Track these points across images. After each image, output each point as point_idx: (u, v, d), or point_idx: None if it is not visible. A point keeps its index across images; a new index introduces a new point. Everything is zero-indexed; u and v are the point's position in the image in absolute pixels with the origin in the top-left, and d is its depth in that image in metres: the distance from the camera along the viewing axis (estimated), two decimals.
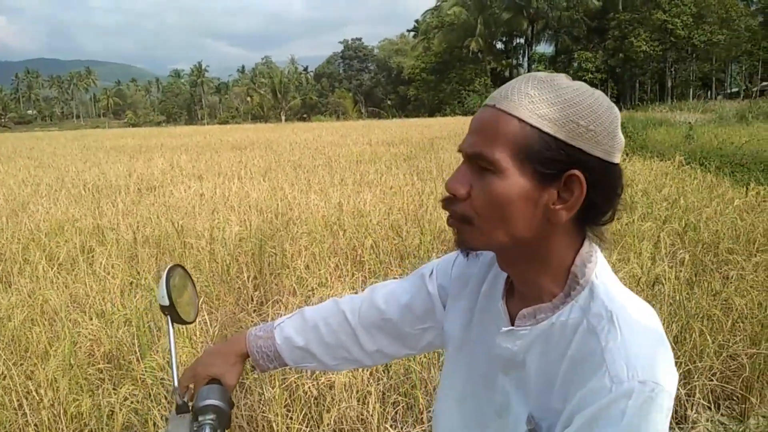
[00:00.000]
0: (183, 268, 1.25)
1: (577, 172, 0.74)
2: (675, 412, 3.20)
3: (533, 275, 0.83)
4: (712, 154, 10.75)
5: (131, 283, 4.58)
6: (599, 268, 0.80)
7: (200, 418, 1.06)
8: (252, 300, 4.43)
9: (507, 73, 68.97)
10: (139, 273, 4.81)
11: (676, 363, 2.94)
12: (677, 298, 3.68)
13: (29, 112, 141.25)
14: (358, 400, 2.99)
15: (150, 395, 3.00)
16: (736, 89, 49.28)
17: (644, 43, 47.40)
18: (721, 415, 3.27)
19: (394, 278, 4.38)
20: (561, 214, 0.76)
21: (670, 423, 0.80)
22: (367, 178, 9.96)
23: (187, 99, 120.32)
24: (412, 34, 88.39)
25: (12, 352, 3.40)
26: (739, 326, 3.55)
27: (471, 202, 0.78)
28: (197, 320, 1.23)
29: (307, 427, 2.86)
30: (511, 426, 0.85)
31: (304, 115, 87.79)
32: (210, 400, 1.08)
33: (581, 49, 58.70)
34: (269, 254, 5.10)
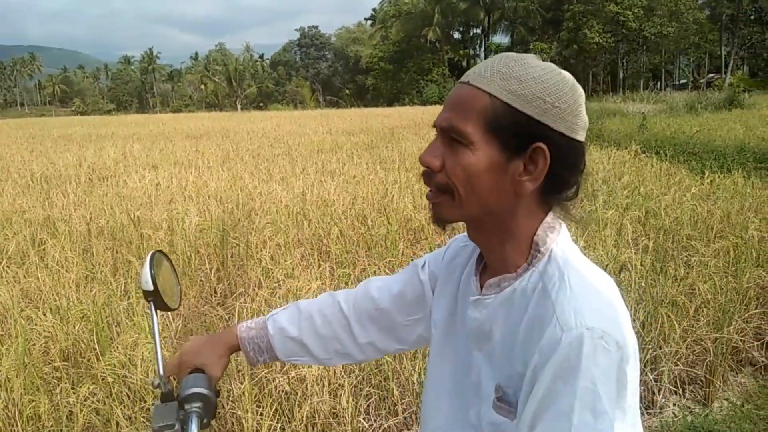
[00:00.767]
0: (165, 254, 1.22)
1: (541, 144, 0.79)
2: (642, 397, 3.26)
3: (500, 246, 0.86)
4: (666, 144, 11.04)
5: (87, 276, 4.38)
6: (561, 238, 0.84)
7: (186, 407, 1.04)
8: (216, 293, 4.29)
9: (464, 63, 69.41)
10: (94, 266, 4.61)
11: (643, 349, 2.95)
12: (643, 284, 3.74)
13: None
14: (330, 394, 2.93)
15: (111, 394, 2.86)
16: (685, 81, 50.92)
17: (597, 35, 48.42)
18: (687, 399, 3.34)
19: (363, 268, 4.38)
20: (526, 185, 0.80)
21: (639, 408, 0.78)
22: (329, 167, 9.84)
23: (137, 86, 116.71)
24: (369, 22, 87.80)
25: None
26: (703, 311, 3.62)
27: (446, 173, 0.82)
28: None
29: (278, 423, 2.77)
30: (485, 401, 0.86)
31: (261, 104, 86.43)
32: (196, 388, 1.06)
33: (536, 40, 59.54)
34: (232, 245, 4.96)
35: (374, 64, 68.65)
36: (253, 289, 3.83)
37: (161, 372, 1.07)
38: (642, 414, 3.15)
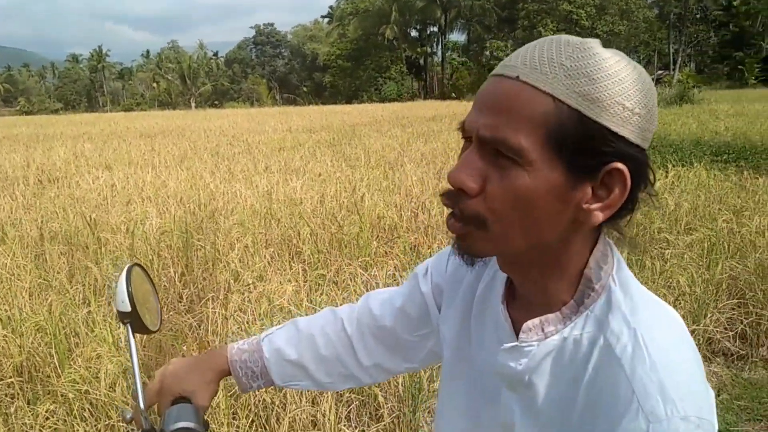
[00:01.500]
0: (142, 267, 1.06)
1: (620, 165, 0.61)
2: None
3: (543, 280, 0.70)
4: None
5: (40, 284, 4.09)
6: (616, 271, 0.68)
7: None
8: (182, 298, 4.08)
9: (422, 61, 69.71)
10: (48, 273, 4.32)
11: None
12: None
13: None
14: (310, 402, 2.78)
15: (72, 411, 2.65)
16: None
17: (552, 33, 49.02)
18: None
19: (339, 268, 4.23)
20: (596, 215, 0.63)
21: None
22: (292, 165, 9.64)
23: (86, 85, 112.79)
24: (326, 20, 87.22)
25: None
26: (680, 303, 3.64)
27: (485, 199, 0.63)
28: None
29: None
30: None
31: (216, 102, 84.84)
32: (182, 422, 0.92)
33: (492, 38, 60.24)
34: (197, 248, 4.73)
35: (332, 62, 68.21)
36: (224, 294, 3.64)
37: (142, 405, 0.93)
38: None
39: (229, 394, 2.69)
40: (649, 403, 0.58)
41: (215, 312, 3.35)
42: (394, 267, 4.16)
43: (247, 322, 3.23)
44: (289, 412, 2.67)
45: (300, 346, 1.02)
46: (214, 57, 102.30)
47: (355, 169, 8.50)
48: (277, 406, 2.73)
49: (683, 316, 3.34)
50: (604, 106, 0.59)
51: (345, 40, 67.71)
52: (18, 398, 2.79)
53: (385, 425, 2.77)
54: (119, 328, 3.16)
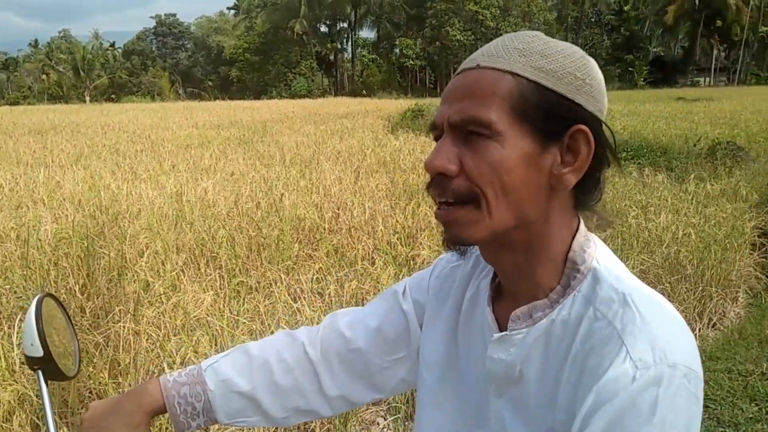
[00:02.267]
0: (55, 298, 0.90)
1: (582, 126, 0.66)
2: None
3: (527, 267, 0.71)
4: None
5: None
6: (599, 253, 0.71)
7: None
8: (84, 312, 3.70)
9: (332, 57, 69.37)
10: None
11: None
12: None
13: None
14: None
15: None
16: None
17: (458, 33, 50.70)
18: None
19: (263, 273, 4.01)
20: (567, 178, 0.67)
21: None
22: (201, 164, 9.20)
23: None
24: (232, 12, 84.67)
25: None
26: None
27: (467, 178, 0.66)
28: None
29: None
30: None
31: (113, 96, 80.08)
32: None
33: (402, 36, 61.00)
34: (99, 256, 4.34)
35: (239, 56, 66.38)
36: (134, 307, 3.33)
37: None
38: None
39: None
40: (638, 350, 0.59)
41: (125, 327, 3.05)
42: (318, 270, 4.01)
43: (162, 338, 2.97)
44: None
45: (252, 375, 0.89)
46: (110, 48, 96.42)
47: (270, 168, 8.22)
48: None
49: None
50: (558, 76, 0.65)
51: (252, 34, 66.12)
52: None
53: None
54: (15, 351, 2.80)
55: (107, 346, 3.05)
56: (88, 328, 3.41)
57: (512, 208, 0.66)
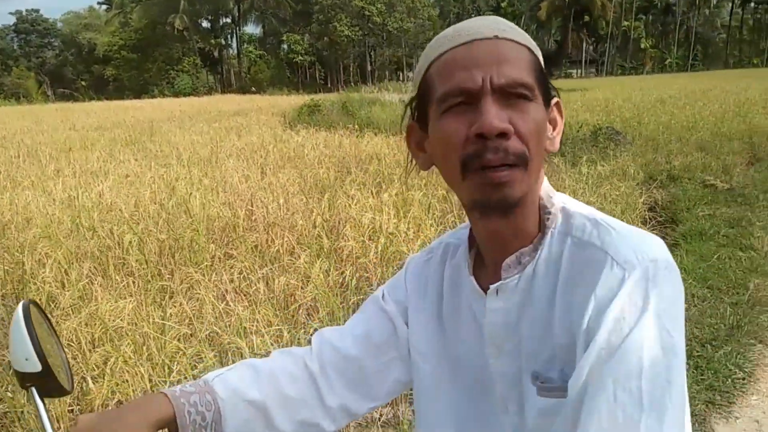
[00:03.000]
0: (37, 305, 0.79)
1: (559, 99, 0.77)
2: None
3: (524, 222, 0.75)
4: None
5: None
6: (559, 195, 0.79)
7: None
8: None
9: (216, 53, 67.03)
10: None
11: None
12: None
13: None
14: None
15: None
16: None
17: (346, 28, 50.83)
18: None
19: (185, 278, 3.78)
20: (556, 141, 0.75)
21: None
22: (89, 167, 8.56)
23: None
24: (103, 7, 79.26)
25: None
26: None
27: (520, 138, 0.68)
28: None
29: None
30: (517, 406, 0.76)
31: None
32: None
33: (288, 32, 60.17)
34: None
35: (114, 53, 62.35)
36: None
37: None
38: None
39: None
40: (621, 255, 0.66)
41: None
42: (240, 271, 3.87)
43: (83, 351, 2.74)
44: None
45: (261, 386, 0.86)
46: None
47: (169, 168, 7.82)
48: None
49: None
50: (539, 53, 0.74)
51: (128, 30, 62.33)
52: None
53: None
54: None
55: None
56: None
57: (539, 167, 0.72)
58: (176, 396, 0.79)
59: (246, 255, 4.11)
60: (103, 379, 2.53)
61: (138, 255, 4.09)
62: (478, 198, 0.70)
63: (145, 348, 2.79)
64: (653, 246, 0.68)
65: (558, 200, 0.77)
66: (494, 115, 0.67)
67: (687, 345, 0.71)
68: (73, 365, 2.74)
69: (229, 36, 67.90)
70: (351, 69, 59.34)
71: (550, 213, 0.75)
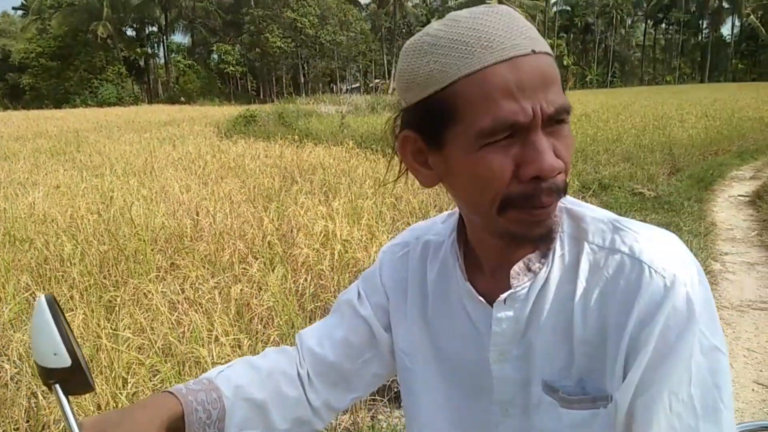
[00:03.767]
0: (54, 298, 0.74)
1: None
2: None
3: None
4: (370, 139, 12.02)
5: None
6: None
7: None
8: None
9: (142, 62, 64.89)
10: None
11: None
12: None
13: None
14: None
15: None
16: (357, 85, 56.51)
17: (279, 39, 50.38)
18: None
19: (138, 287, 3.63)
20: None
21: None
22: (14, 177, 8.09)
23: None
24: (19, 13, 75.19)
25: None
26: None
27: (564, 167, 0.65)
28: None
29: None
30: (520, 410, 0.75)
31: None
32: None
33: (218, 42, 59.07)
34: None
35: (31, 61, 59.08)
36: None
37: None
38: None
39: None
40: (658, 263, 0.64)
41: None
42: (191, 282, 3.76)
43: (32, 367, 2.59)
44: None
45: (264, 384, 0.86)
46: None
47: (103, 178, 7.50)
48: None
49: None
50: None
51: (47, 37, 59.28)
52: None
53: None
54: None
55: None
56: None
57: None
58: (184, 394, 0.78)
59: (195, 265, 4.01)
60: (48, 397, 2.40)
61: (80, 267, 3.91)
62: (516, 232, 0.66)
63: (96, 361, 2.67)
64: (680, 248, 0.67)
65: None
66: (551, 156, 0.62)
67: None
68: (19, 382, 2.60)
69: (156, 45, 65.95)
70: (284, 80, 58.85)
71: (555, 216, 0.71)
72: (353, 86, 57.70)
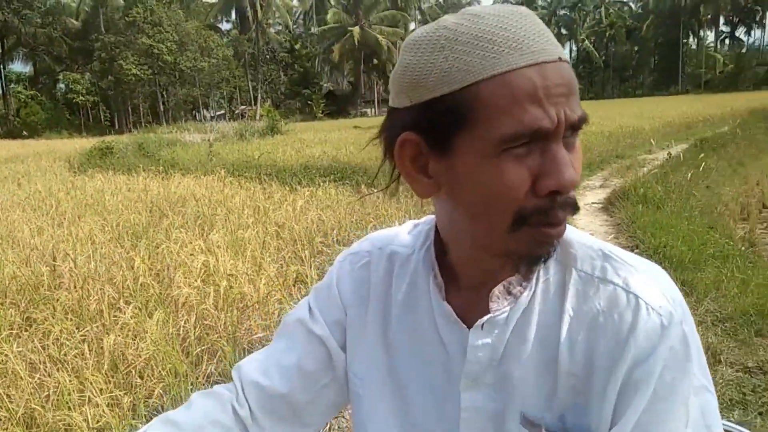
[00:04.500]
0: None
1: None
2: None
3: None
4: (241, 167, 11.65)
5: None
6: None
7: None
8: None
9: None
10: None
11: None
12: None
13: None
14: None
15: None
16: (222, 111, 54.92)
17: (134, 67, 47.65)
18: None
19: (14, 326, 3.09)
20: None
21: None
22: None
23: None
24: None
25: None
26: None
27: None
28: None
29: None
30: None
31: None
32: None
33: (65, 70, 54.79)
34: None
35: None
36: None
37: None
38: None
39: None
40: (654, 300, 0.62)
41: None
42: (54, 337, 3.33)
43: None
44: None
45: None
46: None
47: None
48: None
49: None
50: None
51: None
52: None
53: None
54: None
55: None
56: None
57: None
58: None
59: (57, 317, 3.56)
60: None
61: None
62: (524, 252, 0.62)
63: None
64: (672, 284, 0.65)
65: None
66: (567, 167, 0.58)
67: None
68: None
69: None
70: (141, 109, 55.71)
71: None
72: (218, 113, 56.09)
